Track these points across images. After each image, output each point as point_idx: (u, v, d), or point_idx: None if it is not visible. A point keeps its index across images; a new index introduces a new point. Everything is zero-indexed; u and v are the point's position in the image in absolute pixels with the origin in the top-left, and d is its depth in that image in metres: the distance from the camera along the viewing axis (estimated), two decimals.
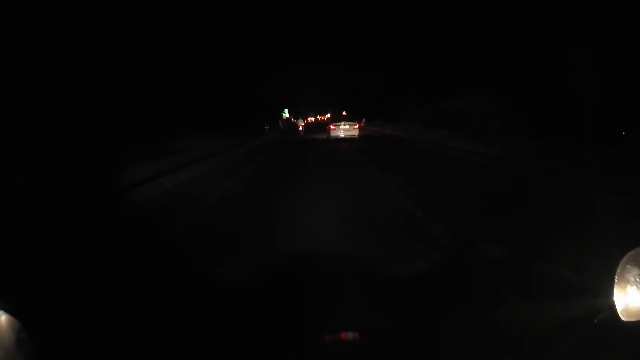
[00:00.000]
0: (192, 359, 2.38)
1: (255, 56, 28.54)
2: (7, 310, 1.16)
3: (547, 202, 6.66)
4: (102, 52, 11.84)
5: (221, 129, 19.74)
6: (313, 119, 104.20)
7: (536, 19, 14.86)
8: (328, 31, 53.35)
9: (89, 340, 2.63)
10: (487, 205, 6.48)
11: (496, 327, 2.47)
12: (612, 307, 1.23)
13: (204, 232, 5.39)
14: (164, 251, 4.60)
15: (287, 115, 56.18)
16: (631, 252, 1.20)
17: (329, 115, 50.12)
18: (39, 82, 9.90)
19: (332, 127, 22.75)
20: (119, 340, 2.63)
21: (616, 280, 1.21)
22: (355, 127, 22.35)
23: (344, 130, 22.04)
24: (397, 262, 3.94)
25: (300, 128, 32.62)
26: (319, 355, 2.07)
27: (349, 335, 2.52)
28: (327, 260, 4.07)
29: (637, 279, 1.18)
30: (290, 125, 40.30)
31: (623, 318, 1.21)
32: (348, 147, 18.22)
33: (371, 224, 5.47)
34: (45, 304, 3.03)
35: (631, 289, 1.19)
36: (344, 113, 35.31)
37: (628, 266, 1.20)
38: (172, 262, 4.20)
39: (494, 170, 10.61)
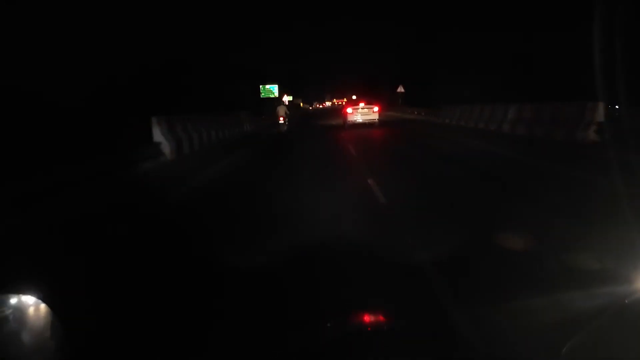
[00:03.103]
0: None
1: None
2: (38, 297, 1.18)
3: None
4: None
5: None
6: (329, 103, 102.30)
7: None
8: None
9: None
10: None
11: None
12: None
13: None
14: None
15: (288, 100, 35.85)
16: None
17: (354, 97, 45.60)
18: None
19: (348, 111, 20.70)
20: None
21: None
22: (375, 110, 20.39)
23: (362, 114, 20.30)
24: None
25: (282, 120, 20.48)
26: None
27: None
28: None
29: None
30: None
31: None
32: None
33: None
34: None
35: None
36: (401, 90, 32.08)
37: None
38: None
39: None
